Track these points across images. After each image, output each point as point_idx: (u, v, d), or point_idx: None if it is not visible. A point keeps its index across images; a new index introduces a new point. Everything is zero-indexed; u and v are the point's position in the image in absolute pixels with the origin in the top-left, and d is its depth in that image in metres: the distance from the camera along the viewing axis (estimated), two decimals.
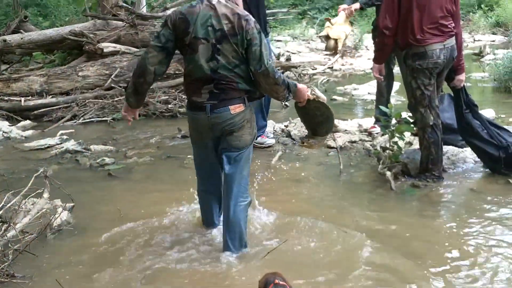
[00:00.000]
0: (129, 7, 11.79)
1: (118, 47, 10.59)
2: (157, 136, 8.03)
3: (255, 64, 4.10)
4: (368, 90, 11.26)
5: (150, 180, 6.23)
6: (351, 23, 7.41)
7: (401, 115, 6.16)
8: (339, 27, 7.06)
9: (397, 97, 10.08)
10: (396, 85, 9.19)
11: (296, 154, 6.99)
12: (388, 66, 7.14)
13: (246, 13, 4.19)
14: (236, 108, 4.17)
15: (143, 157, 7.00)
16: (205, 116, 4.19)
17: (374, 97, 10.01)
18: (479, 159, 6.26)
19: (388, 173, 5.94)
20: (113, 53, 10.46)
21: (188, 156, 6.84)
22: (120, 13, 11.59)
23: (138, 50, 10.55)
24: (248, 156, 4.36)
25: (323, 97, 5.01)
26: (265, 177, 6.07)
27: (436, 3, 5.64)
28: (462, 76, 6.01)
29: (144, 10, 12.90)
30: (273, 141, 7.37)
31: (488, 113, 7.85)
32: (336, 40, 7.09)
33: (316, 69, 14.06)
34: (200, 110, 4.21)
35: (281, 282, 3.35)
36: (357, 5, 7.34)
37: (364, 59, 15.60)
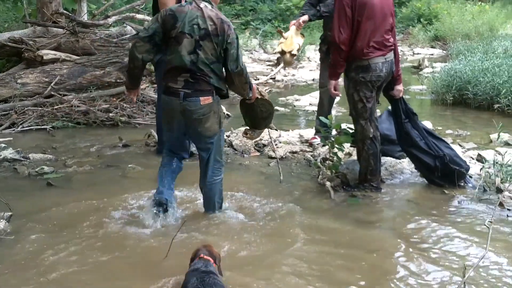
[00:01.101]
0: (70, 14, 11.64)
1: (58, 54, 10.44)
2: (98, 145, 7.94)
3: (232, 65, 4.85)
4: (309, 101, 11.40)
5: (90, 189, 6.14)
6: (303, 35, 7.52)
7: (340, 127, 6.27)
8: (291, 40, 7.18)
9: (338, 108, 10.23)
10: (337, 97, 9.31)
11: (238, 164, 7.02)
12: None
13: (227, 19, 4.90)
14: (205, 100, 4.82)
15: (83, 166, 6.91)
16: (177, 102, 4.82)
17: (315, 108, 10.17)
18: (416, 170, 6.40)
19: (328, 183, 6.02)
20: (53, 61, 10.31)
21: (129, 166, 6.82)
22: (61, 20, 11.43)
23: (78, 57, 10.43)
24: (218, 142, 5.05)
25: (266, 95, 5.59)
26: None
27: (382, 17, 5.80)
28: (400, 86, 6.14)
29: (85, 17, 12.75)
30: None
31: (426, 125, 8.04)
32: (290, 52, 7.20)
33: (258, 79, 14.15)
34: (174, 95, 4.85)
35: (205, 257, 3.83)
36: (305, 17, 7.42)
37: (306, 70, 15.80)
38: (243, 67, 4.90)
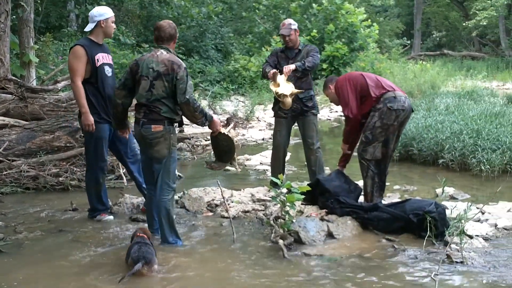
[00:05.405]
0: (18, 80, 11.62)
1: (7, 120, 10.38)
2: (48, 210, 7.83)
3: (180, 96, 5.84)
4: (260, 160, 11.49)
5: (42, 255, 6.07)
6: (289, 82, 7.93)
7: (291, 185, 6.36)
8: (286, 85, 7.65)
9: (289, 167, 10.34)
10: (287, 155, 9.45)
11: (191, 224, 7.04)
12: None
13: (180, 61, 5.95)
14: (156, 128, 5.92)
15: (33, 232, 6.81)
16: (139, 128, 6.01)
17: (266, 167, 10.30)
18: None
19: (281, 242, 6.08)
20: (2, 126, 10.24)
21: (81, 230, 6.77)
22: (9, 86, 11.39)
23: (27, 123, 10.37)
24: (167, 165, 6.03)
25: (233, 134, 6.49)
26: (158, 247, 6.07)
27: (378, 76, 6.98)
28: None
29: (34, 83, 12.76)
30: (111, 217, 7.32)
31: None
32: (290, 94, 7.60)
33: (209, 140, 14.23)
34: (137, 123, 6.03)
35: (141, 234, 5.53)
36: (293, 66, 7.95)
37: (256, 130, 15.95)
38: (189, 98, 5.85)
